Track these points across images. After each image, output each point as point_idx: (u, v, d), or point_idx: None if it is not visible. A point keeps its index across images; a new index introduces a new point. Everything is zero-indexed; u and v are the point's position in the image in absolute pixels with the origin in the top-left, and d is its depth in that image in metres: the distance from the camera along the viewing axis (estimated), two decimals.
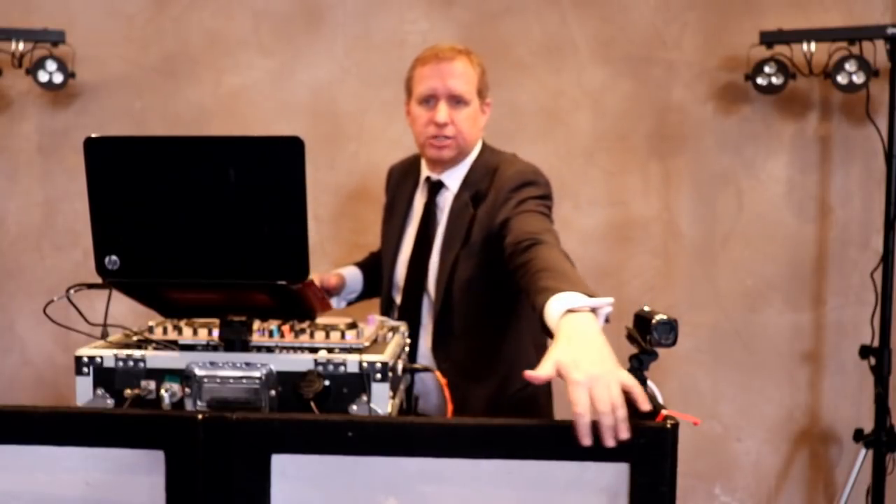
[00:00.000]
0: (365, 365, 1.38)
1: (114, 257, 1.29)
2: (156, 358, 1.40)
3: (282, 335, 1.48)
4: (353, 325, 1.51)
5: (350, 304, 2.34)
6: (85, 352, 1.41)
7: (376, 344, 1.56)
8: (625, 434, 1.14)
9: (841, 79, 2.89)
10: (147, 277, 1.31)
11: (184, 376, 1.38)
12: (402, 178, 2.25)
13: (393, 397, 1.42)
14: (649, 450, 1.15)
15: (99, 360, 1.39)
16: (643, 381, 1.42)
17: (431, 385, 1.98)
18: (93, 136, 1.27)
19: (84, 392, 1.39)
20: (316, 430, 1.19)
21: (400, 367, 1.55)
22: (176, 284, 1.33)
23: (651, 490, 1.15)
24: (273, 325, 1.50)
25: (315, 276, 2.12)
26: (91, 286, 1.43)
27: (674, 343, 1.36)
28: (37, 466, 1.21)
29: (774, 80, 2.94)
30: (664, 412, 1.22)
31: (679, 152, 3.14)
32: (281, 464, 1.17)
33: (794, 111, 3.11)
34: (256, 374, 1.37)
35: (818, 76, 2.96)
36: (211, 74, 3.15)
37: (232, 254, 1.29)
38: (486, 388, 2.02)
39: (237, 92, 3.16)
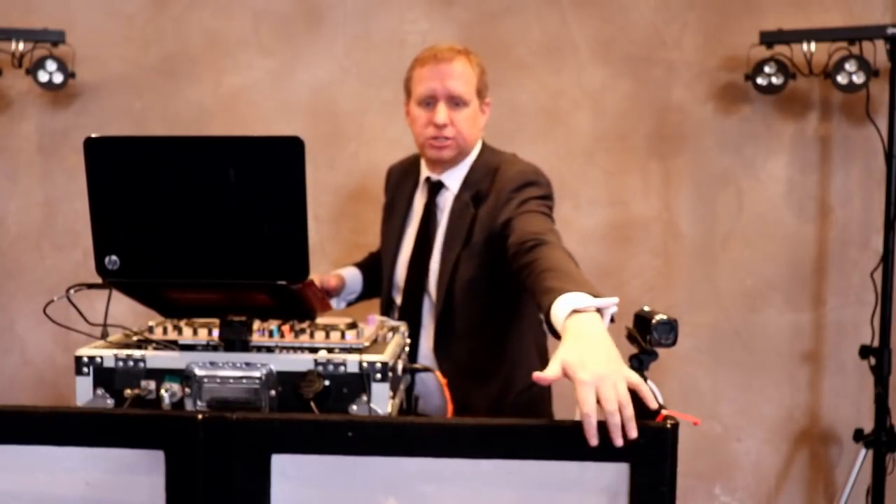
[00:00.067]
0: (365, 365, 1.38)
1: (114, 257, 1.29)
2: (156, 358, 1.40)
3: (282, 335, 1.48)
4: (353, 325, 1.51)
5: (350, 304, 2.34)
6: (85, 352, 1.41)
7: (376, 344, 1.56)
8: (633, 433, 1.14)
9: (841, 79, 2.89)
10: (147, 277, 1.31)
11: (184, 376, 1.38)
12: (402, 179, 2.25)
13: (393, 397, 1.42)
14: (649, 450, 1.15)
15: (99, 360, 1.39)
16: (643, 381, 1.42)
17: (432, 385, 1.98)
18: (93, 136, 1.27)
19: (84, 392, 1.39)
20: (316, 430, 1.19)
21: (400, 367, 1.55)
22: (176, 284, 1.33)
23: (651, 490, 1.15)
24: (273, 325, 1.50)
25: (315, 276, 2.12)
26: (91, 286, 1.44)
27: (674, 343, 1.36)
28: (37, 466, 1.21)
29: (774, 80, 2.94)
30: (664, 412, 1.22)
31: (679, 152, 3.14)
32: (281, 464, 1.18)
33: (794, 111, 3.11)
34: (256, 374, 1.37)
35: (818, 76, 2.96)
36: (211, 74, 3.15)
37: (232, 254, 1.29)
38: (489, 388, 2.02)
39: (237, 92, 3.16)
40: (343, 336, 1.47)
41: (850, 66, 2.88)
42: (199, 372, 1.37)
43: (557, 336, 1.34)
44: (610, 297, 1.37)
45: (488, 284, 2.00)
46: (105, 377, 1.39)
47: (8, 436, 1.20)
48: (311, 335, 1.48)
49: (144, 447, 1.19)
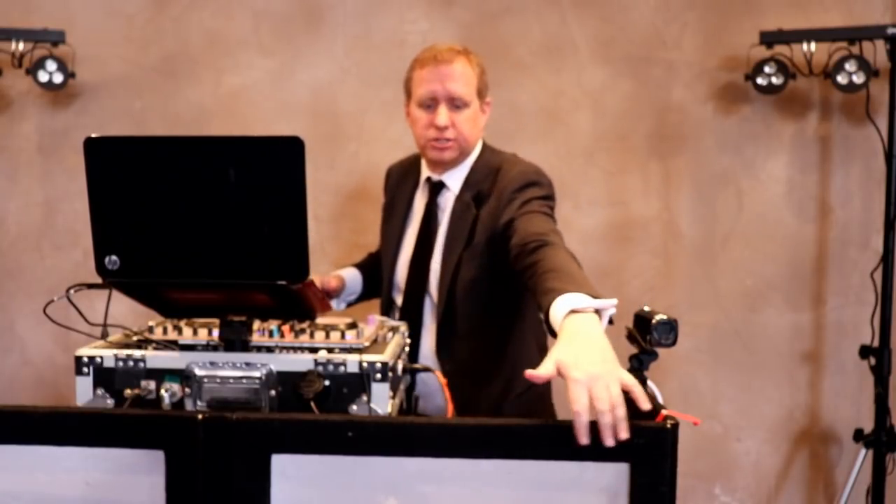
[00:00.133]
0: (365, 365, 1.38)
1: (114, 257, 1.29)
2: (156, 358, 1.40)
3: (282, 335, 1.48)
4: (353, 325, 1.51)
5: (350, 305, 2.34)
6: (85, 352, 1.41)
7: (376, 344, 1.56)
8: (624, 434, 1.14)
9: (841, 79, 2.89)
10: (147, 277, 1.31)
11: (184, 376, 1.38)
12: (402, 179, 2.24)
13: (393, 397, 1.42)
14: (649, 450, 1.15)
15: (99, 360, 1.39)
16: (643, 381, 1.42)
17: (432, 385, 1.98)
18: (93, 136, 1.27)
19: (84, 392, 1.39)
20: (316, 430, 1.19)
21: (400, 367, 1.55)
22: (176, 284, 1.33)
23: (651, 490, 1.15)
24: (273, 325, 1.50)
25: (316, 277, 2.12)
26: (91, 286, 1.44)
27: (674, 343, 1.36)
28: (37, 466, 1.21)
29: (774, 80, 2.94)
30: (664, 412, 1.22)
31: (679, 152, 3.14)
32: (281, 464, 1.17)
33: (794, 111, 3.11)
34: (256, 374, 1.37)
35: (818, 76, 2.96)
36: (211, 74, 3.15)
37: (232, 254, 1.29)
38: (490, 388, 2.02)
39: (237, 92, 3.16)
40: (343, 336, 1.47)
41: (850, 66, 2.88)
42: (199, 372, 1.37)
43: (556, 336, 1.35)
44: (609, 299, 1.37)
45: (490, 285, 2.00)
46: (105, 377, 1.39)
47: (8, 436, 1.20)
48: (311, 335, 1.48)
49: (144, 447, 1.19)
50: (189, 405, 1.38)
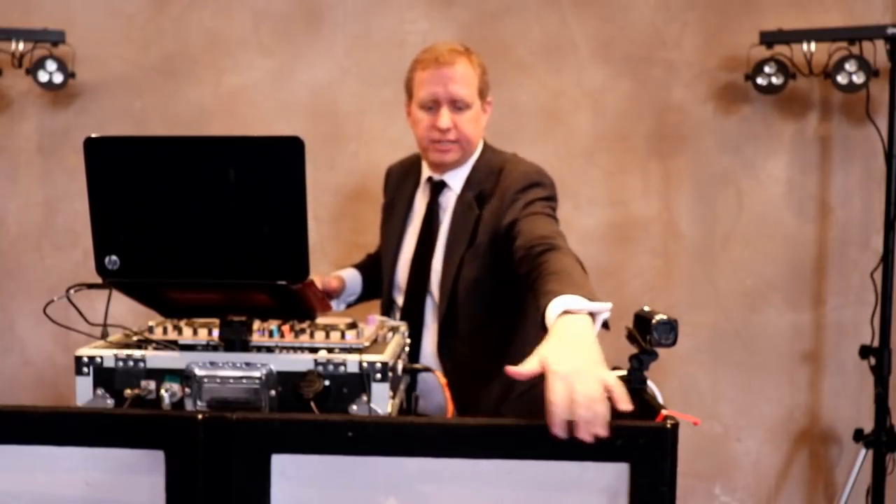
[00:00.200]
0: (365, 365, 1.38)
1: (114, 257, 1.29)
2: (156, 358, 1.40)
3: (282, 335, 1.48)
4: (353, 325, 1.51)
5: (349, 306, 2.34)
6: (85, 352, 1.41)
7: (376, 344, 1.56)
8: (601, 431, 1.13)
9: (841, 79, 2.89)
10: (147, 277, 1.31)
11: (184, 376, 1.38)
12: (402, 179, 2.24)
13: (393, 397, 1.42)
14: (649, 450, 1.15)
15: (99, 360, 1.39)
16: (643, 381, 1.42)
17: (432, 385, 1.98)
18: (93, 136, 1.27)
19: (84, 392, 1.39)
20: (316, 430, 1.19)
21: (400, 367, 1.55)
22: (176, 284, 1.33)
23: (651, 490, 1.15)
24: (273, 325, 1.50)
25: (316, 278, 2.12)
26: (91, 286, 1.43)
27: (674, 343, 1.36)
28: (37, 466, 1.21)
29: (774, 80, 2.94)
30: (664, 412, 1.22)
31: (679, 152, 3.14)
32: (281, 464, 1.17)
33: (794, 111, 3.11)
34: (256, 374, 1.37)
35: (818, 76, 2.96)
36: (211, 74, 3.15)
37: (232, 254, 1.29)
38: (490, 389, 2.02)
39: (237, 92, 3.16)
40: (343, 336, 1.47)
41: (850, 66, 2.88)
42: (199, 372, 1.37)
43: None
44: (604, 303, 1.37)
45: (493, 285, 2.00)
46: (105, 377, 1.39)
47: (8, 436, 1.20)
48: (311, 335, 1.48)
49: (144, 447, 1.19)
50: (189, 405, 1.38)
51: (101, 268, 1.30)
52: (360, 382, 1.37)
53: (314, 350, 1.43)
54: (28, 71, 2.97)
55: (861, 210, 3.11)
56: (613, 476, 1.16)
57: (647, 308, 1.44)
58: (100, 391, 1.39)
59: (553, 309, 1.37)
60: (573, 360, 1.20)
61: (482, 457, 1.17)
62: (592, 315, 1.36)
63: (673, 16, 3.11)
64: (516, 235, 1.83)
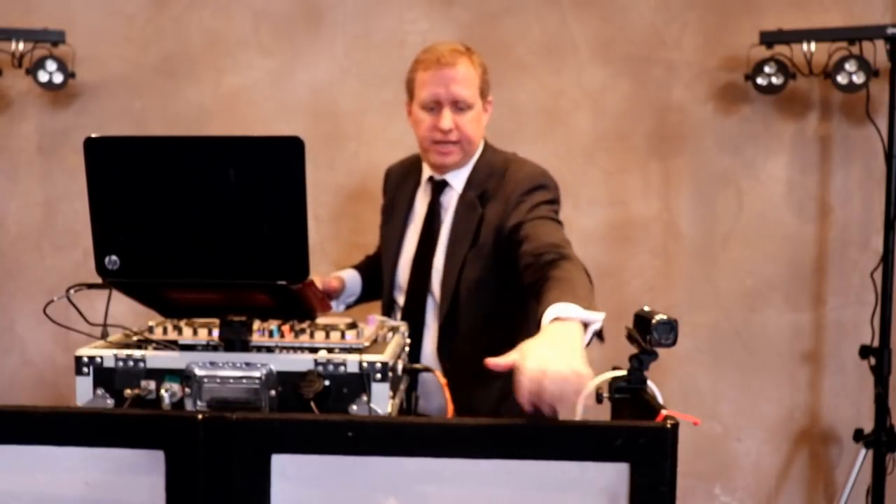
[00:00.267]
0: (365, 365, 1.38)
1: (114, 257, 1.29)
2: (156, 358, 1.40)
3: (282, 335, 1.48)
4: (353, 325, 1.51)
5: (348, 307, 2.34)
6: (85, 352, 1.41)
7: (376, 344, 1.56)
8: (564, 409, 1.20)
9: (841, 79, 2.89)
10: (147, 277, 1.31)
11: (184, 376, 1.38)
12: (402, 179, 2.24)
13: (393, 397, 1.42)
14: (649, 450, 1.15)
15: (99, 360, 1.39)
16: (643, 381, 1.42)
17: (432, 385, 1.98)
18: (93, 136, 1.27)
19: (84, 392, 1.39)
20: (316, 430, 1.19)
21: (400, 367, 1.55)
22: (176, 284, 1.33)
23: (651, 490, 1.15)
24: (273, 325, 1.50)
25: (317, 278, 2.12)
26: (91, 286, 1.44)
27: (674, 343, 1.36)
28: (37, 466, 1.21)
29: (774, 80, 2.94)
30: (664, 412, 1.22)
31: (679, 152, 3.14)
32: (281, 464, 1.17)
33: (794, 111, 3.11)
34: (256, 374, 1.37)
35: (818, 76, 2.96)
36: (211, 74, 3.15)
37: (232, 254, 1.29)
38: (491, 390, 2.01)
39: (237, 92, 3.16)
40: (343, 336, 1.47)
41: (850, 66, 2.88)
42: (199, 372, 1.37)
43: None
44: (596, 312, 1.41)
45: (495, 286, 2.01)
46: (105, 377, 1.39)
47: (8, 436, 1.20)
48: (311, 335, 1.48)
49: (144, 447, 1.19)
50: (189, 405, 1.38)
51: (101, 268, 1.30)
52: (360, 382, 1.38)
53: (314, 350, 1.43)
54: (28, 71, 2.97)
55: (861, 210, 3.11)
56: (613, 476, 1.16)
57: (647, 308, 1.44)
58: (100, 391, 1.39)
59: (546, 316, 1.41)
60: (547, 357, 1.24)
61: (482, 457, 1.17)
62: (586, 324, 1.40)
63: (673, 16, 3.11)
64: (522, 240, 1.84)
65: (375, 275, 2.30)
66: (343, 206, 3.17)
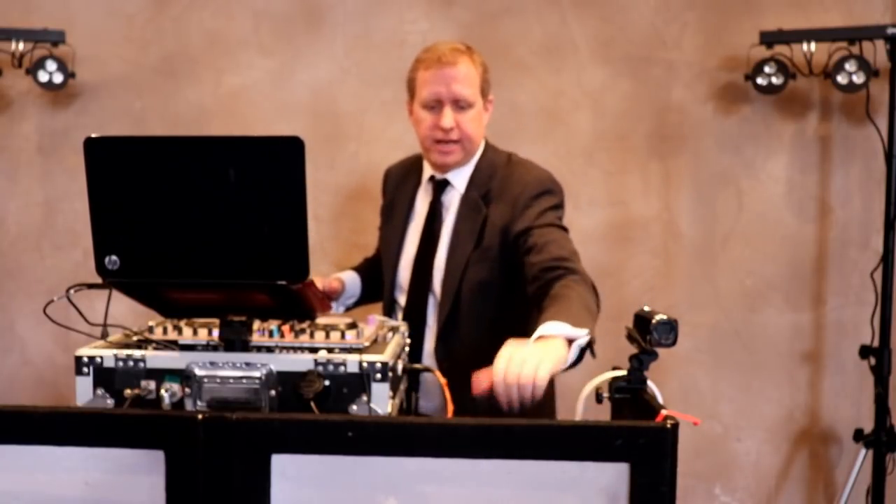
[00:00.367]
0: (365, 365, 1.38)
1: (114, 257, 1.29)
2: (156, 358, 1.40)
3: (282, 335, 1.48)
4: (353, 325, 1.51)
5: (348, 309, 2.34)
6: (85, 352, 1.41)
7: (376, 344, 1.56)
8: (519, 396, 1.41)
9: (841, 79, 2.89)
10: (147, 277, 1.31)
11: (184, 376, 1.38)
12: (402, 179, 2.24)
13: (393, 397, 1.42)
14: (649, 450, 1.15)
15: (99, 360, 1.39)
16: (643, 381, 1.42)
17: (432, 385, 1.98)
18: (93, 136, 1.27)
19: (84, 392, 1.39)
20: (316, 430, 1.19)
21: (400, 367, 1.55)
22: (176, 284, 1.33)
23: (651, 490, 1.15)
24: (273, 325, 1.50)
25: (318, 279, 2.12)
26: (91, 286, 1.44)
27: (674, 343, 1.36)
28: (37, 466, 1.21)
29: (774, 80, 2.94)
30: (664, 412, 1.22)
31: (679, 152, 3.14)
32: (281, 464, 1.17)
33: (794, 111, 3.11)
34: (256, 374, 1.37)
35: (818, 76, 2.96)
36: (211, 74, 3.15)
37: (232, 254, 1.29)
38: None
39: (237, 92, 3.16)
40: (343, 336, 1.47)
41: (850, 66, 2.88)
42: (199, 372, 1.37)
43: None
44: (580, 329, 1.51)
45: (498, 289, 2.01)
46: (105, 377, 1.39)
47: (8, 436, 1.20)
48: (311, 335, 1.48)
49: (144, 447, 1.19)
50: (189, 405, 1.38)
51: (101, 268, 1.30)
52: (360, 382, 1.38)
53: (314, 350, 1.43)
54: (28, 71, 2.97)
55: (861, 210, 3.11)
56: (613, 476, 1.16)
57: (647, 308, 1.44)
58: (100, 391, 1.39)
59: (533, 337, 1.51)
60: (521, 350, 1.42)
61: (482, 457, 1.17)
62: (572, 341, 1.50)
63: (673, 16, 3.11)
64: (530, 248, 1.88)
65: (374, 276, 2.30)
66: (343, 206, 3.17)
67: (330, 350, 1.43)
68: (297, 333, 1.49)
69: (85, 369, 1.39)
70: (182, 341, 1.48)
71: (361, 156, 3.15)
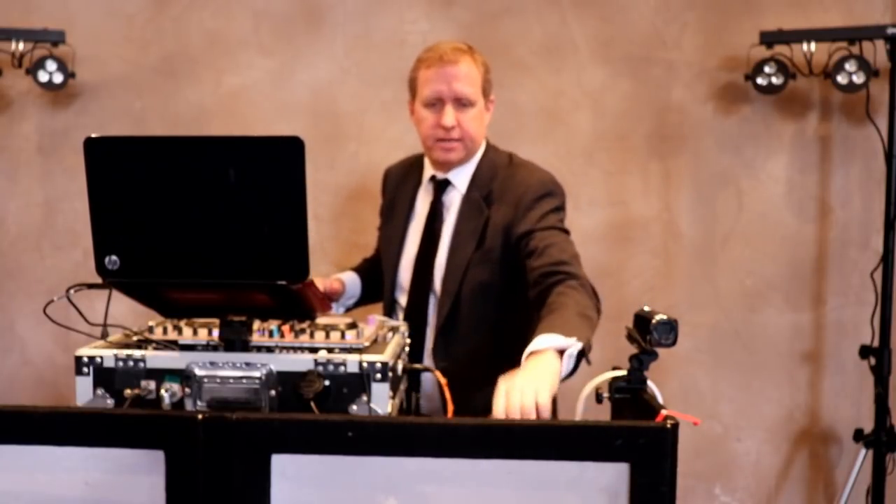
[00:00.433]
0: (365, 365, 1.38)
1: (114, 257, 1.29)
2: (156, 358, 1.40)
3: (282, 335, 1.48)
4: (353, 325, 1.51)
5: (348, 310, 2.34)
6: (85, 352, 1.41)
7: (376, 344, 1.56)
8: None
9: (841, 79, 2.89)
10: (147, 277, 1.31)
11: (184, 376, 1.38)
12: (402, 179, 2.24)
13: (393, 397, 1.42)
14: (649, 450, 1.15)
15: (99, 360, 1.39)
16: (643, 381, 1.42)
17: (432, 385, 1.98)
18: (93, 136, 1.27)
19: (84, 392, 1.39)
20: (316, 430, 1.19)
21: (400, 367, 1.55)
22: (176, 284, 1.33)
23: (651, 490, 1.15)
24: (273, 325, 1.50)
25: (319, 281, 2.12)
26: (91, 286, 1.44)
27: (674, 343, 1.37)
28: (37, 466, 1.21)
29: (774, 80, 2.94)
30: (664, 412, 1.22)
31: (679, 152, 3.14)
32: (281, 464, 1.18)
33: (794, 111, 3.11)
34: (256, 374, 1.37)
35: (818, 76, 2.96)
36: (211, 74, 3.15)
37: (232, 254, 1.29)
38: (481, 395, 2.00)
39: (237, 92, 3.16)
40: (343, 336, 1.47)
41: (850, 66, 2.88)
42: (199, 372, 1.37)
43: None
44: (570, 339, 1.52)
45: (499, 290, 2.01)
46: (105, 377, 1.39)
47: (8, 436, 1.20)
48: (311, 335, 1.48)
49: (144, 447, 1.19)
50: (189, 405, 1.38)
51: (101, 268, 1.30)
52: (360, 382, 1.38)
53: (314, 350, 1.43)
54: (28, 71, 2.97)
55: (861, 210, 3.11)
56: (613, 476, 1.16)
57: (647, 308, 1.44)
58: (100, 391, 1.39)
59: (526, 352, 1.52)
60: (519, 378, 1.42)
61: (482, 457, 1.17)
62: (563, 351, 1.51)
63: (673, 16, 3.11)
64: (532, 251, 1.89)
65: (374, 277, 2.30)
66: (343, 206, 3.17)
67: (330, 350, 1.43)
68: (297, 333, 1.49)
69: (85, 369, 1.39)
70: (182, 341, 1.48)
71: (361, 156, 3.15)
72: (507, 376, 1.44)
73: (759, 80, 2.94)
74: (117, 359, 1.39)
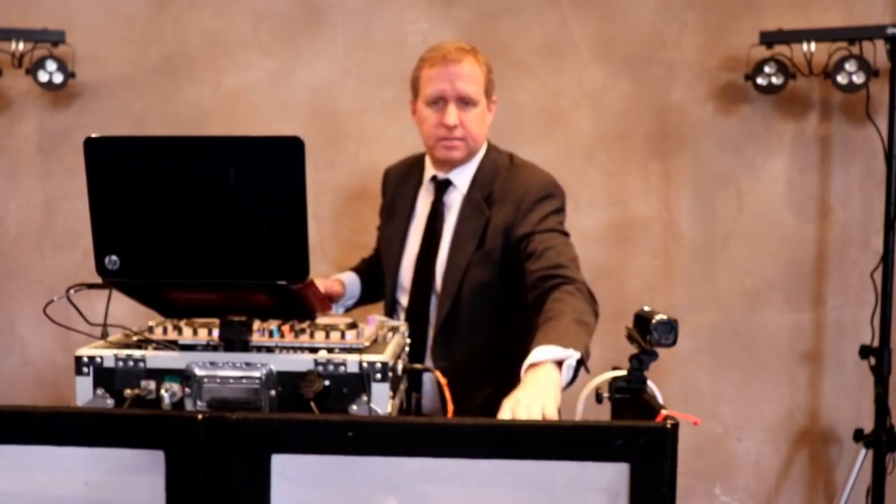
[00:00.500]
0: (365, 365, 1.38)
1: (114, 257, 1.29)
2: (156, 358, 1.40)
3: (282, 335, 1.48)
4: (353, 325, 1.51)
5: (347, 310, 2.34)
6: (85, 352, 1.41)
7: (376, 344, 1.56)
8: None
9: (841, 79, 2.89)
10: (147, 277, 1.31)
11: (184, 376, 1.38)
12: (402, 180, 2.24)
13: (393, 397, 1.42)
14: (649, 450, 1.15)
15: (99, 360, 1.39)
16: (643, 381, 1.42)
17: (432, 385, 1.98)
18: (93, 136, 1.27)
19: (84, 392, 1.39)
20: (316, 430, 1.19)
21: (400, 367, 1.55)
22: (176, 284, 1.33)
23: (651, 490, 1.15)
24: (273, 325, 1.50)
25: (320, 282, 2.13)
26: (91, 286, 1.44)
27: (674, 343, 1.37)
28: (37, 466, 1.21)
29: (774, 80, 2.94)
30: (664, 412, 1.22)
31: (679, 152, 3.14)
32: (281, 464, 1.18)
33: (794, 111, 3.11)
34: (256, 374, 1.37)
35: (818, 76, 2.96)
36: (211, 74, 3.15)
37: (232, 254, 1.29)
38: (479, 394, 2.00)
39: (237, 92, 3.16)
40: (343, 336, 1.47)
41: (850, 66, 2.88)
42: (199, 372, 1.37)
43: None
44: (568, 350, 1.51)
45: (499, 291, 2.02)
46: (105, 377, 1.39)
47: (8, 436, 1.20)
48: (311, 335, 1.48)
49: (144, 447, 1.19)
50: (189, 405, 1.38)
51: (101, 268, 1.30)
52: (360, 382, 1.38)
53: (314, 350, 1.43)
54: (28, 71, 2.97)
55: (861, 210, 3.11)
56: (613, 476, 1.16)
57: (647, 308, 1.44)
58: (100, 391, 1.39)
59: (524, 365, 1.52)
60: (522, 393, 1.41)
61: (482, 457, 1.17)
62: (562, 361, 1.51)
63: (673, 16, 3.11)
64: (530, 254, 1.89)
65: (373, 277, 2.30)
66: (343, 206, 3.17)
67: (330, 350, 1.43)
68: (297, 333, 1.49)
69: (85, 369, 1.39)
70: (182, 341, 1.48)
71: (361, 156, 3.15)
72: (511, 395, 1.42)
73: (759, 80, 2.94)
74: (117, 359, 1.39)
